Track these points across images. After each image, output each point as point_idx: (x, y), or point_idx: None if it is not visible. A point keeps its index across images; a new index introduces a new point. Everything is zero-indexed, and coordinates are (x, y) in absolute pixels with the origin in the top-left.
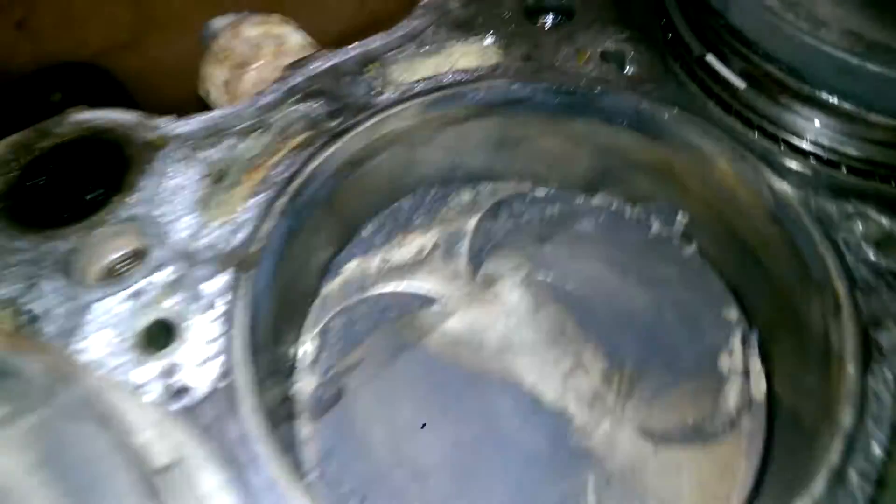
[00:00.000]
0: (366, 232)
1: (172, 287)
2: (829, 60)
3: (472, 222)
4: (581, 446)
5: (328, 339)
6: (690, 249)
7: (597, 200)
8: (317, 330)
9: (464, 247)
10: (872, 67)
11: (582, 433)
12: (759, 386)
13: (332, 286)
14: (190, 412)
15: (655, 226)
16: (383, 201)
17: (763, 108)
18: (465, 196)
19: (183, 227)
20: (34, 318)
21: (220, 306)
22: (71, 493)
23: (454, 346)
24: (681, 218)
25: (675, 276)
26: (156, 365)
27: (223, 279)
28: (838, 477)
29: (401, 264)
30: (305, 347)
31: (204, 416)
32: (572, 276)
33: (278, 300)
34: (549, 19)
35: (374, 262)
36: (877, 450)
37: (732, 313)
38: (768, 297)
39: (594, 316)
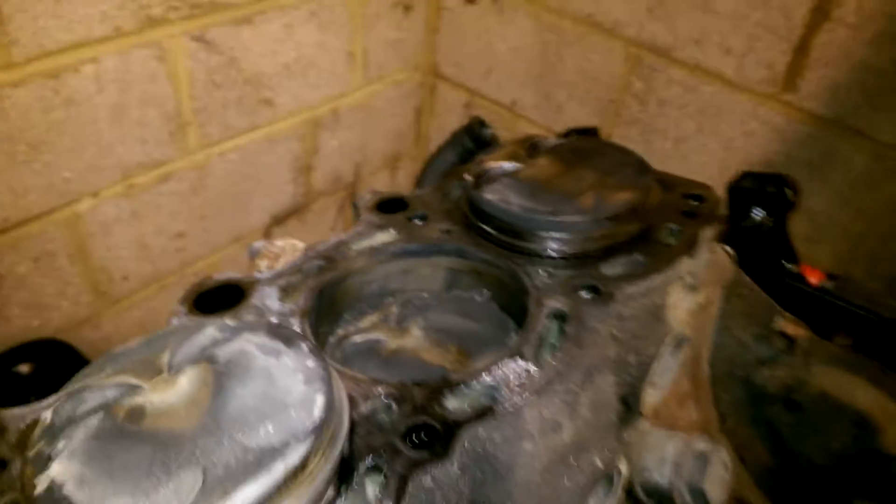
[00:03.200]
0: (346, 316)
1: (279, 322)
2: (512, 216)
3: (395, 309)
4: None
5: (336, 359)
6: (493, 306)
7: (452, 293)
8: (329, 355)
9: (392, 318)
10: (527, 216)
11: (453, 373)
12: None
13: (334, 338)
14: None
15: (477, 298)
16: (353, 303)
17: (503, 240)
18: (391, 300)
19: (277, 305)
20: None
21: (297, 326)
22: None
23: (393, 353)
24: (487, 293)
25: (486, 317)
26: None
27: (297, 319)
28: None
29: (363, 328)
30: None
31: None
32: (442, 322)
33: (315, 334)
34: (419, 221)
35: (351, 328)
36: None
37: (511, 324)
38: (521, 315)
39: (452, 335)
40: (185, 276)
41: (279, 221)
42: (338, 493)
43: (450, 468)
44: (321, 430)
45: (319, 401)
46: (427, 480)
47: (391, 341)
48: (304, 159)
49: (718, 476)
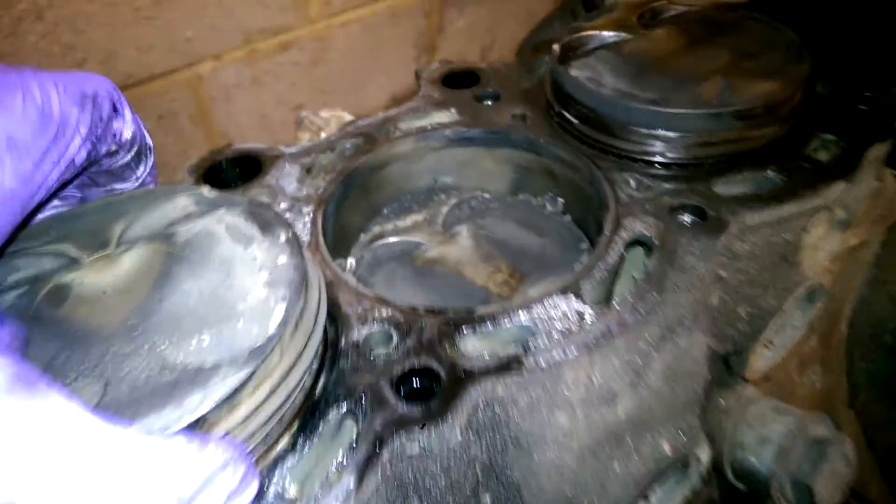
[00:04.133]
0: (385, 211)
1: (289, 209)
2: (603, 102)
3: (445, 209)
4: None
5: (363, 261)
6: (567, 218)
7: (518, 197)
8: (356, 255)
9: (440, 219)
10: (623, 103)
11: (498, 298)
12: None
13: (366, 236)
14: None
15: (548, 207)
16: (395, 196)
17: (589, 133)
18: (442, 197)
19: (293, 187)
20: None
21: (309, 217)
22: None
23: (432, 262)
24: (560, 201)
25: (556, 231)
26: None
27: (311, 207)
28: None
29: (403, 228)
30: (350, 262)
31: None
32: (498, 232)
33: (336, 228)
34: (488, 102)
35: (389, 226)
36: None
37: (584, 245)
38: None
39: (507, 249)
40: None
41: (398, 102)
42: (293, 446)
43: (449, 434)
44: (270, 354)
45: (278, 313)
46: (412, 447)
47: (432, 248)
48: (428, 37)
49: (835, 472)
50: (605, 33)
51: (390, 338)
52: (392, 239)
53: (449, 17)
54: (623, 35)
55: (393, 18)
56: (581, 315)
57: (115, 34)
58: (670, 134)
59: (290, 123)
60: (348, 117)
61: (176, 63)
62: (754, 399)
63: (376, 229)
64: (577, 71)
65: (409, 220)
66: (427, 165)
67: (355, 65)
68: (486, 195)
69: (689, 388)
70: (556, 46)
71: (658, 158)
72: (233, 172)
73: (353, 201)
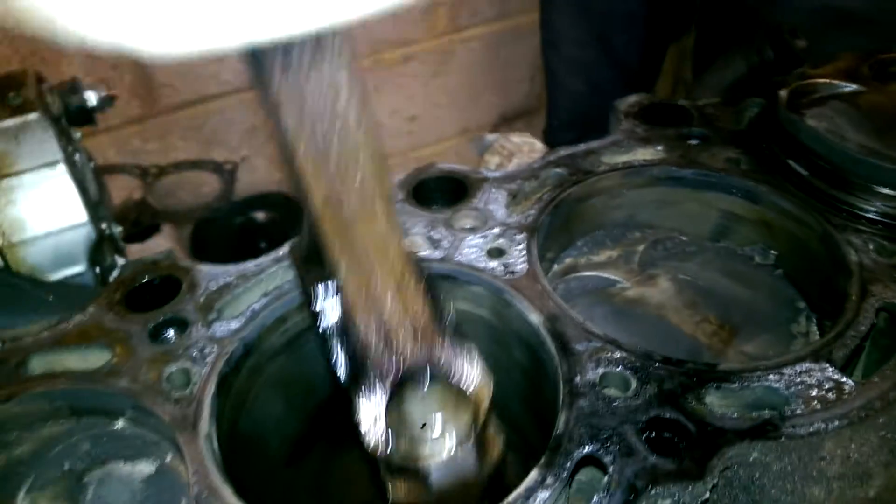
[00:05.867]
0: (578, 243)
1: (501, 235)
2: (847, 157)
3: (640, 247)
4: (707, 356)
5: (557, 293)
6: (778, 272)
7: (720, 244)
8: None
9: (635, 258)
10: (871, 161)
11: (709, 351)
12: (812, 334)
13: (559, 267)
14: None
15: (757, 258)
16: (590, 229)
17: (820, 187)
18: (637, 234)
19: (502, 212)
20: None
21: (523, 245)
22: None
23: (632, 302)
24: (773, 254)
25: (766, 285)
26: (497, 262)
27: (523, 235)
28: None
29: (598, 263)
30: None
31: (520, 282)
32: (701, 279)
33: (540, 254)
34: (695, 142)
35: (582, 259)
36: None
37: (801, 304)
38: (821, 295)
39: (713, 298)
40: (408, 158)
41: (507, 120)
42: (542, 480)
43: (700, 493)
44: None
45: None
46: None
47: (630, 288)
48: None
49: None
50: (838, 83)
51: (625, 382)
52: (587, 273)
53: None
54: (856, 86)
55: (515, 37)
56: (839, 385)
57: None
58: None
59: (403, 134)
60: (538, 144)
61: None
62: None
63: (569, 261)
64: (813, 121)
65: (602, 256)
66: (626, 201)
67: (471, 80)
68: (684, 238)
69: None
70: (783, 92)
71: None
72: (438, 191)
73: (553, 231)
